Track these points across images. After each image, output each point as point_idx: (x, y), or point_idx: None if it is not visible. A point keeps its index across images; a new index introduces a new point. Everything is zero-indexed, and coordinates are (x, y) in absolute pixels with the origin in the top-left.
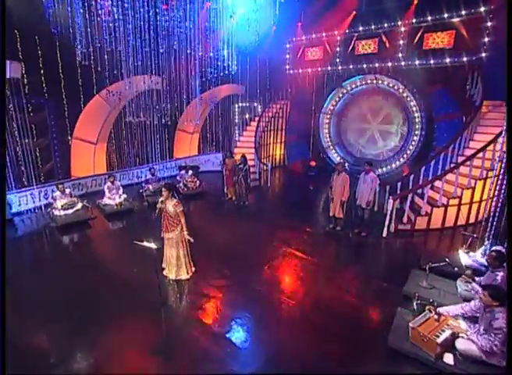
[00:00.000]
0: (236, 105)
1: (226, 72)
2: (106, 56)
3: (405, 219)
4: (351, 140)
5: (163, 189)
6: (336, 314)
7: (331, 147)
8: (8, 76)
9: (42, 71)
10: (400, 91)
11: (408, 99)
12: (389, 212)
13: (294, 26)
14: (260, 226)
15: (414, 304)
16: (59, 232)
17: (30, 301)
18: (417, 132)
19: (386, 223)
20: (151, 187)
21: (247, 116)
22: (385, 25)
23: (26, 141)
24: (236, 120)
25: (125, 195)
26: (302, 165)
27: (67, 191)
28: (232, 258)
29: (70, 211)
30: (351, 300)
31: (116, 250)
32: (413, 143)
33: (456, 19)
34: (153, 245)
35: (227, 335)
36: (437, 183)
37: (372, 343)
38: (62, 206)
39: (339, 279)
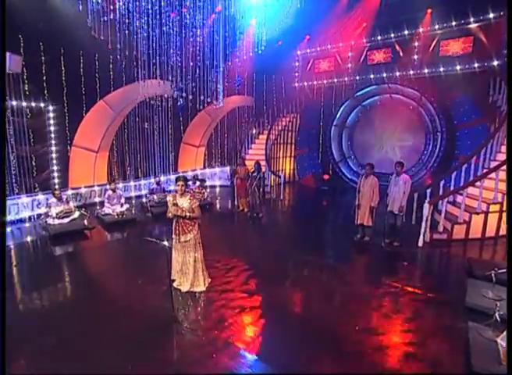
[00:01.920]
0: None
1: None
2: (117, 57)
3: (441, 228)
4: (365, 153)
5: (179, 181)
6: (390, 336)
7: (344, 160)
8: (7, 70)
9: (44, 73)
10: (416, 99)
11: (425, 108)
12: (424, 218)
13: (303, 39)
14: (277, 238)
15: (497, 316)
16: (52, 242)
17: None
18: (436, 142)
19: (422, 230)
20: (155, 197)
21: (254, 131)
22: (399, 34)
23: (22, 146)
24: (244, 134)
25: (127, 205)
26: (314, 179)
27: (64, 197)
28: (251, 272)
29: (66, 220)
30: (403, 317)
31: (116, 262)
32: (432, 154)
33: (473, 25)
34: (166, 243)
35: (250, 356)
36: (471, 190)
37: (451, 368)
38: (57, 214)
39: (379, 295)
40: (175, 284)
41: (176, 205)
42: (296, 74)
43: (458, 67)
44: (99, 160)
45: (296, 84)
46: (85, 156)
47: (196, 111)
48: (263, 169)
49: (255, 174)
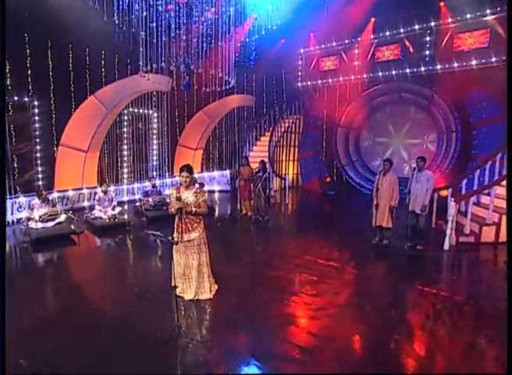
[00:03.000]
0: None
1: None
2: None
3: (467, 230)
4: (373, 155)
5: (183, 171)
6: (435, 352)
7: (350, 164)
8: None
9: (28, 66)
10: (428, 98)
11: (438, 106)
12: (450, 219)
13: (306, 36)
14: (286, 242)
15: None
16: (34, 248)
17: None
18: (450, 142)
19: (448, 232)
20: (150, 199)
21: (255, 133)
22: (408, 29)
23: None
24: (244, 136)
25: (119, 208)
26: (320, 184)
27: (49, 198)
28: (261, 279)
29: (50, 223)
30: (447, 327)
31: (108, 269)
32: (446, 154)
33: (490, 18)
34: (170, 238)
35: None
36: (497, 190)
37: None
38: (40, 217)
39: (412, 302)
40: (177, 291)
41: (179, 198)
42: (300, 73)
43: (474, 62)
44: (89, 161)
45: (300, 84)
46: (73, 156)
47: (203, 92)
48: (268, 170)
49: (260, 174)
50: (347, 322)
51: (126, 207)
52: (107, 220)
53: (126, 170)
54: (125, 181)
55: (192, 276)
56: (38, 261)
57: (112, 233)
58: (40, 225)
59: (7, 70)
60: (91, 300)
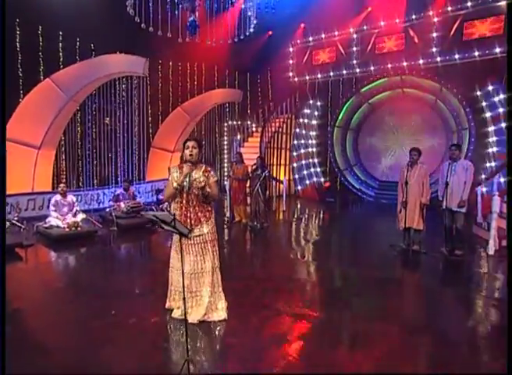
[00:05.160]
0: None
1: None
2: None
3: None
4: (373, 159)
5: (190, 142)
6: None
7: (348, 169)
8: None
9: None
10: (435, 93)
11: (447, 102)
12: (494, 217)
13: (296, 27)
14: (300, 252)
15: None
16: None
17: None
18: (462, 141)
19: (492, 233)
20: (122, 205)
21: (239, 136)
22: (413, 17)
23: None
24: (227, 138)
25: (83, 215)
26: (317, 190)
27: None
28: (276, 297)
29: None
30: None
31: (67, 292)
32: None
33: (503, 3)
34: (180, 226)
35: None
36: None
37: None
38: None
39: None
40: (176, 314)
41: (189, 174)
42: (290, 68)
43: (487, 51)
44: (42, 160)
45: (291, 80)
46: (21, 154)
47: None
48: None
49: (258, 172)
50: (389, 348)
51: (89, 215)
52: (66, 229)
53: (89, 173)
54: (88, 186)
55: (203, 288)
56: None
57: (73, 246)
58: None
59: None
60: (44, 334)
